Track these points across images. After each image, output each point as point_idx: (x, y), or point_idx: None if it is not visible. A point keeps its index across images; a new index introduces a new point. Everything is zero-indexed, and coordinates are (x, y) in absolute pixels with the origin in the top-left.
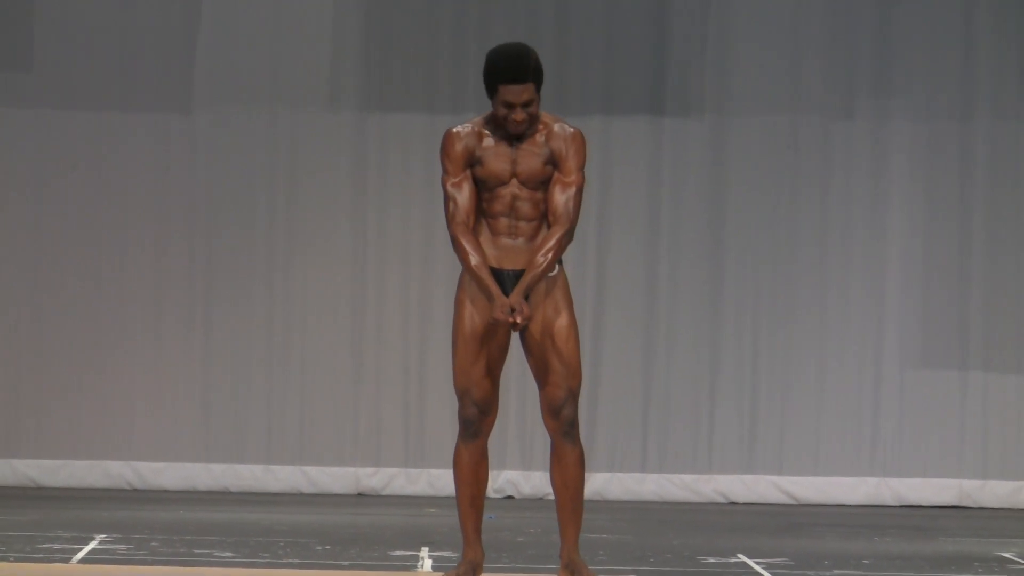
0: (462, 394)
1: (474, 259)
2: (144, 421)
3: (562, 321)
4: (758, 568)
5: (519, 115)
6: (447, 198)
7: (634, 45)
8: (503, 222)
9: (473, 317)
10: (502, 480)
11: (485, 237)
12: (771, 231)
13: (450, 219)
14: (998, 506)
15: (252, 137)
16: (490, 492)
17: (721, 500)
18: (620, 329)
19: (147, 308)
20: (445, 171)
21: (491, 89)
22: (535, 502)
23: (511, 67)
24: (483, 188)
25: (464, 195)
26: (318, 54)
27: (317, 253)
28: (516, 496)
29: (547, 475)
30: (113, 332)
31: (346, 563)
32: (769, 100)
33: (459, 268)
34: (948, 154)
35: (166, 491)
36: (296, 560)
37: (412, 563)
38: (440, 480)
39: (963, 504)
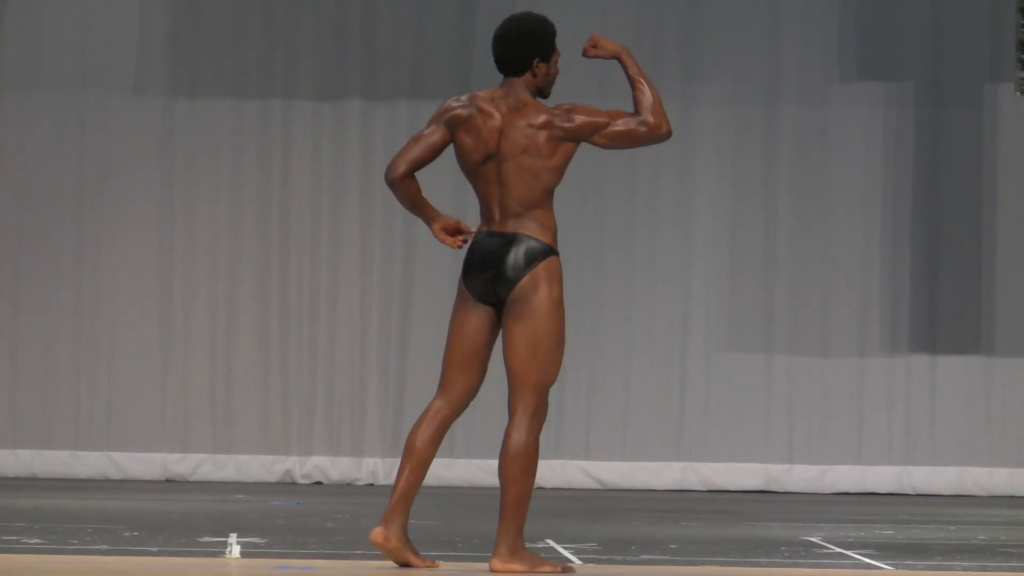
0: (549, 388)
1: None
2: None
3: None
4: (566, 553)
5: None
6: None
7: (441, 27)
8: None
9: None
10: (310, 466)
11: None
12: (577, 215)
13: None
14: (804, 490)
15: (60, 122)
16: (298, 478)
17: None
18: (425, 315)
19: None
20: (600, 118)
21: (550, 51)
22: (343, 487)
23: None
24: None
25: None
26: (125, 38)
27: (125, 239)
28: (324, 482)
29: (355, 461)
30: None
31: (155, 549)
32: (574, 84)
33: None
34: (753, 139)
35: None
36: (105, 546)
37: (221, 549)
38: (248, 466)
39: (769, 488)
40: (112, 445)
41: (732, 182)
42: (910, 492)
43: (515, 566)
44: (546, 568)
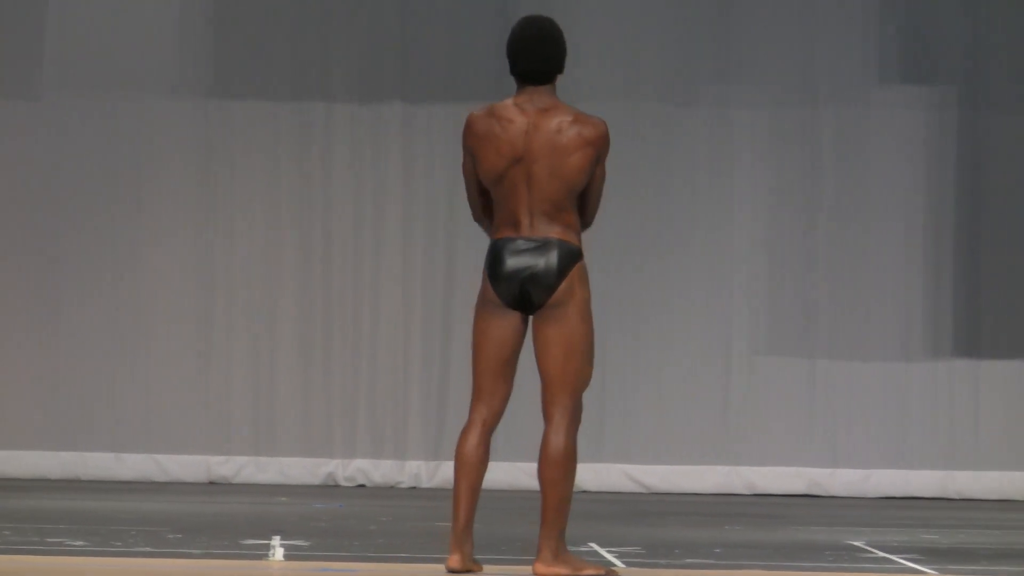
0: (584, 390)
1: None
2: None
3: None
4: (609, 557)
5: None
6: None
7: (481, 28)
8: None
9: None
10: (352, 468)
11: None
12: (616, 218)
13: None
14: (847, 494)
15: (97, 124)
16: (340, 481)
17: None
18: (468, 318)
19: None
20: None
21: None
22: (385, 490)
23: None
24: None
25: None
26: (163, 40)
27: (164, 241)
28: (367, 485)
29: (398, 464)
30: None
31: (198, 551)
32: (611, 87)
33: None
34: (792, 141)
35: (15, 479)
36: (148, 548)
37: (263, 552)
38: (291, 469)
39: (813, 492)
40: (154, 447)
41: (772, 185)
42: (954, 496)
43: (558, 569)
44: (589, 571)
